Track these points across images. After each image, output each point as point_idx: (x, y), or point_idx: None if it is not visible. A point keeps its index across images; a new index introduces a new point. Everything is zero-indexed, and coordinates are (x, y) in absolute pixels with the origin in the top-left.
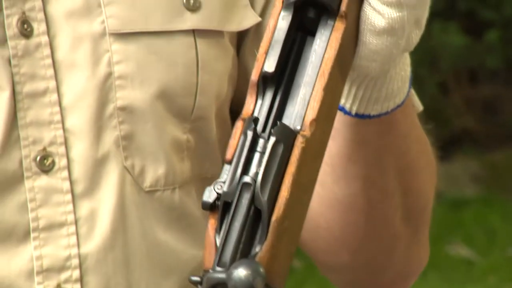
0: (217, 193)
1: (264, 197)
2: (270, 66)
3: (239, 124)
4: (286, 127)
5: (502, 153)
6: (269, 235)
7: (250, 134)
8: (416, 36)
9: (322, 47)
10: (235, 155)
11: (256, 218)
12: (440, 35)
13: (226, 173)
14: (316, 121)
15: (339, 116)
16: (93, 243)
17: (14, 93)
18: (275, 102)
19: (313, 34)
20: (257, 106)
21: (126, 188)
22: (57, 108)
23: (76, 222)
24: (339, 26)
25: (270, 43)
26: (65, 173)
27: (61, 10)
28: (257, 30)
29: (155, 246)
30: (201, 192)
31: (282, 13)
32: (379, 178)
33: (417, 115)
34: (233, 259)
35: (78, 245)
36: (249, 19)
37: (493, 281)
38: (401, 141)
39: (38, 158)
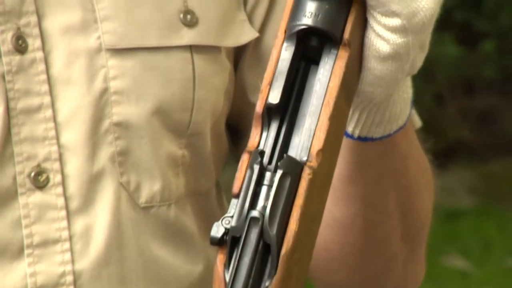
0: (225, 228)
1: (273, 231)
2: (274, 97)
3: (245, 157)
4: (292, 159)
5: (498, 164)
6: (278, 269)
7: (256, 167)
8: (420, 59)
9: (326, 76)
10: (242, 189)
11: (265, 252)
12: (435, 46)
13: (234, 207)
14: (323, 151)
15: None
16: (87, 260)
17: (8, 109)
18: (281, 134)
19: (317, 63)
20: (263, 138)
21: (121, 204)
22: (51, 124)
23: (70, 238)
24: (343, 55)
25: (274, 74)
26: (59, 189)
27: (57, 26)
28: (256, 46)
29: (151, 262)
30: (196, 208)
31: (285, 44)
32: (378, 199)
33: (416, 131)
34: None
35: (73, 262)
36: (246, 35)
37: None
38: (401, 162)
39: (32, 174)
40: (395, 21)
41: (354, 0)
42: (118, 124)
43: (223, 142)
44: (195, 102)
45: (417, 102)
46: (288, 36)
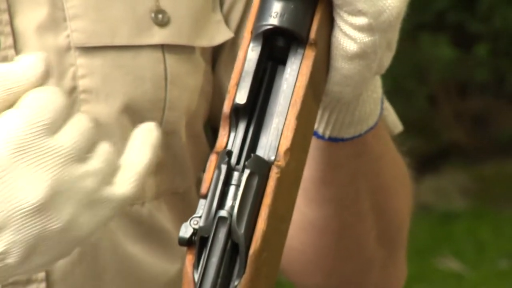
0: (194, 228)
1: (241, 231)
2: (241, 98)
3: (213, 158)
4: (260, 159)
5: (491, 166)
6: (247, 268)
7: (224, 167)
8: (387, 58)
9: (293, 76)
10: (210, 189)
11: (234, 252)
12: (429, 48)
13: (202, 207)
14: (291, 150)
15: (312, 140)
16: None
17: None
18: (249, 134)
19: (284, 63)
20: (231, 138)
21: None
22: None
23: None
24: (309, 54)
25: (240, 75)
26: None
27: (28, 24)
28: (232, 46)
29: (125, 259)
30: (172, 207)
31: (252, 44)
32: (352, 201)
33: (396, 135)
34: None
35: None
36: (221, 35)
37: None
38: (374, 163)
39: None
40: (362, 20)
41: (320, 0)
42: None
43: (202, 142)
44: (167, 102)
45: (410, 103)
46: (255, 37)
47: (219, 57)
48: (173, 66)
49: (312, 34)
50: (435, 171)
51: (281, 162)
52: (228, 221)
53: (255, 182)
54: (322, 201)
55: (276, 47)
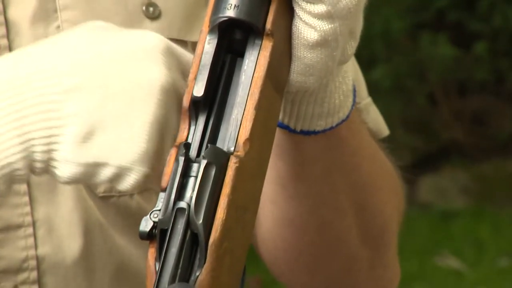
0: (154, 222)
1: (199, 221)
2: (198, 90)
3: (172, 151)
4: (217, 149)
5: (490, 164)
6: (208, 258)
7: (181, 159)
8: (351, 47)
9: (251, 67)
10: (168, 182)
11: (194, 243)
12: (428, 47)
13: (161, 200)
14: (250, 140)
15: (285, 135)
16: (51, 245)
17: None
18: (208, 126)
19: (242, 55)
20: (191, 131)
21: (83, 193)
22: None
23: (33, 224)
24: (267, 45)
25: (198, 68)
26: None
27: (21, 14)
28: None
29: (116, 251)
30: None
31: (208, 37)
32: (329, 196)
33: (394, 134)
34: (170, 285)
35: (36, 247)
36: None
37: None
38: (350, 157)
39: None
40: (320, 8)
41: None
42: None
43: None
44: None
45: (410, 102)
46: (211, 30)
47: None
48: None
49: (268, 25)
50: (435, 170)
51: (240, 152)
52: (186, 212)
53: (212, 172)
54: (300, 197)
55: (234, 40)
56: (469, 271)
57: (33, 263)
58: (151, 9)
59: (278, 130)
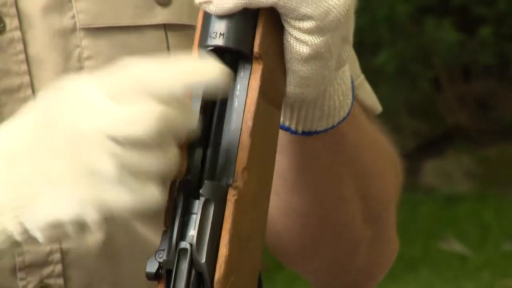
0: (159, 262)
1: (202, 260)
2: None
3: (172, 187)
4: (214, 184)
5: (495, 148)
6: None
7: (181, 197)
8: (346, 51)
9: (244, 92)
10: (170, 222)
11: (201, 281)
12: (433, 31)
13: (165, 239)
14: (248, 169)
15: (287, 135)
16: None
17: None
18: (206, 160)
19: (235, 77)
20: (191, 167)
21: None
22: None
23: None
24: (257, 68)
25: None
26: None
27: (33, 5)
28: None
29: (137, 240)
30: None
31: None
32: (332, 187)
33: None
34: None
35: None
36: None
37: (487, 277)
38: (352, 150)
39: None
40: (309, 24)
41: (260, 13)
42: None
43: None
44: None
45: (415, 87)
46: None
47: None
48: (175, 45)
49: (256, 48)
50: (439, 154)
51: (239, 183)
52: (188, 252)
53: (211, 208)
54: (302, 189)
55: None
56: (473, 255)
57: (57, 256)
58: None
59: (281, 133)
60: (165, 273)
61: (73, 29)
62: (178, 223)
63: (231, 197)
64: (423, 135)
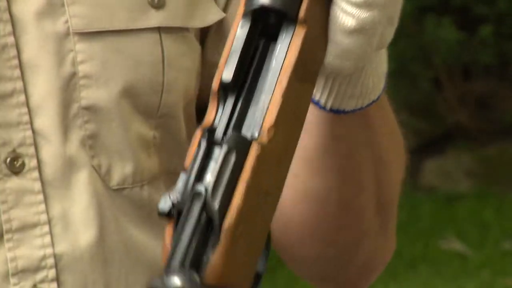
0: (172, 202)
1: (215, 205)
2: (227, 75)
3: (197, 134)
4: (239, 136)
5: (495, 148)
6: (221, 241)
7: (204, 143)
8: (389, 33)
9: (283, 53)
10: (190, 164)
11: (210, 227)
12: (433, 30)
13: (182, 180)
14: (275, 127)
15: (314, 111)
16: (68, 242)
17: None
18: (236, 111)
19: (276, 39)
20: (218, 114)
21: (97, 187)
22: (25, 109)
23: (49, 221)
24: (300, 32)
25: (229, 53)
26: (35, 174)
27: (26, 10)
28: (220, 26)
29: (131, 242)
30: (170, 187)
31: (241, 22)
32: (354, 172)
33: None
34: (182, 266)
35: (53, 245)
36: (213, 15)
37: (487, 276)
38: (376, 135)
39: (8, 160)
40: None
41: None
42: (87, 108)
43: (194, 123)
44: (165, 85)
45: (415, 86)
46: (244, 15)
47: (206, 38)
48: (170, 48)
49: (302, 13)
50: (439, 153)
51: (264, 139)
52: (203, 196)
53: (232, 158)
54: (325, 172)
55: (269, 25)
56: (473, 254)
57: (51, 261)
58: None
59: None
60: (176, 214)
61: (67, 34)
62: (198, 167)
63: (254, 151)
64: (423, 135)
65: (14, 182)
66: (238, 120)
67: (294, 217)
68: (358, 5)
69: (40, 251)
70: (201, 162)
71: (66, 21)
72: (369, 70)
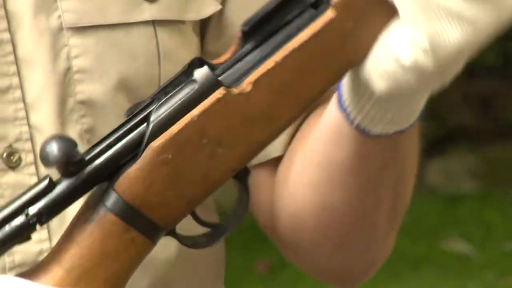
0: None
1: (152, 120)
2: (246, 24)
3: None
4: (212, 75)
5: (498, 148)
6: (141, 156)
7: (185, 70)
8: (436, 86)
9: (306, 25)
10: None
11: (142, 140)
12: None
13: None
14: (254, 85)
15: (344, 122)
16: None
17: None
18: (247, 56)
19: (315, 7)
20: (234, 56)
21: None
22: (21, 105)
23: None
24: (328, 15)
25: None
26: (32, 169)
27: (21, 6)
28: (220, 18)
29: None
30: None
31: None
32: (375, 190)
33: None
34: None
35: (50, 240)
36: (209, 8)
37: (490, 276)
38: (400, 158)
39: (4, 155)
40: (422, 40)
41: None
42: (83, 102)
43: None
44: (161, 77)
45: None
46: None
47: (206, 30)
48: (165, 41)
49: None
50: (443, 153)
51: (235, 90)
52: (150, 108)
53: (192, 88)
54: (346, 188)
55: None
56: (477, 254)
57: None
58: None
59: (340, 116)
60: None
61: (60, 29)
62: (168, 82)
63: (217, 93)
64: (426, 135)
65: (10, 177)
66: (242, 65)
67: (308, 224)
68: (416, 48)
69: (37, 246)
70: (167, 85)
71: (59, 16)
72: (405, 103)
